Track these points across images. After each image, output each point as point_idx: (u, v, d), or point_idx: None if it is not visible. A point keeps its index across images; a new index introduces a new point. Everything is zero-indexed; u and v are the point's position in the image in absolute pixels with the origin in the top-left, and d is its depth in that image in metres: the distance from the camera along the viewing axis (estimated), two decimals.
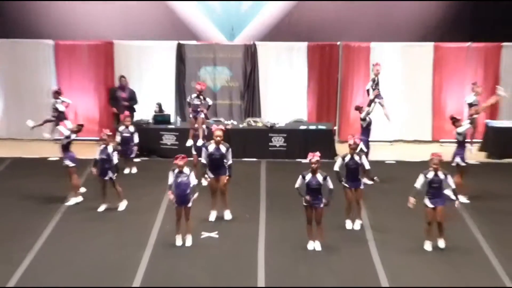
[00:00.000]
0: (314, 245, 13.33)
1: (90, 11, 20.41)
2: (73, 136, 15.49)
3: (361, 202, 14.39)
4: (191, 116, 17.20)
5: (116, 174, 14.96)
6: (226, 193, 14.58)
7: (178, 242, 13.40)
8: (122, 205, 15.10)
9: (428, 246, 13.34)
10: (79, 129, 15.61)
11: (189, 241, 13.46)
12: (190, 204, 13.37)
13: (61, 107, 17.65)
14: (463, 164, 15.49)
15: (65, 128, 15.76)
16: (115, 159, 14.94)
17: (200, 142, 16.57)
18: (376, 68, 17.54)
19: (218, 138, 14.35)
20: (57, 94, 17.84)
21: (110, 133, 15.25)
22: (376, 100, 17.25)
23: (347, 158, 14.12)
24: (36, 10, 20.37)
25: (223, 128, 14.76)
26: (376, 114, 19.12)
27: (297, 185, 13.21)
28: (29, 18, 20.42)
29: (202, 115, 16.97)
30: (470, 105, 17.39)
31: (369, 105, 17.15)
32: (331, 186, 13.21)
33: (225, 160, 14.37)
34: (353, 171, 14.11)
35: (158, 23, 20.49)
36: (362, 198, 14.38)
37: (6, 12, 20.42)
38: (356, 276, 12.33)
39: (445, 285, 11.98)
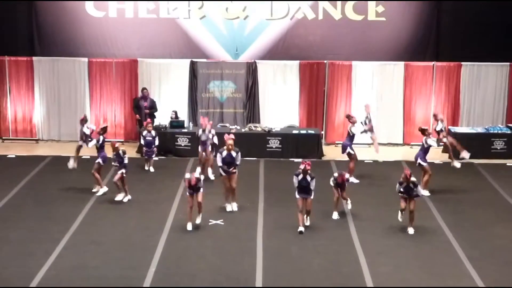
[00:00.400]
0: (303, 228, 13.39)
1: (118, 33, 20.34)
2: (102, 138, 15.43)
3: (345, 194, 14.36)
4: (199, 149, 16.65)
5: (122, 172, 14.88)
6: (236, 191, 14.49)
7: (189, 227, 13.35)
8: (120, 196, 14.89)
9: (400, 217, 13.54)
10: (104, 130, 15.57)
11: (198, 219, 13.46)
12: (201, 190, 13.40)
13: (87, 131, 16.65)
14: (424, 163, 15.43)
15: (92, 142, 15.60)
16: (126, 159, 14.89)
17: (210, 172, 16.36)
18: (368, 108, 17.17)
19: (230, 146, 14.28)
20: (83, 121, 16.74)
21: (119, 143, 15.19)
22: (369, 133, 16.96)
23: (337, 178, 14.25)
24: (73, 33, 20.29)
25: (233, 137, 14.54)
26: (359, 118, 19.20)
27: (296, 184, 13.35)
28: (67, 40, 20.33)
29: (210, 148, 16.55)
30: (439, 132, 16.62)
31: (362, 132, 16.90)
32: (313, 187, 13.36)
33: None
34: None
35: (174, 44, 20.41)
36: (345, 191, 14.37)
37: (49, 35, 20.34)
38: (339, 256, 12.27)
39: (414, 263, 11.94)
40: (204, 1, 20.09)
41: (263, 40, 20.49)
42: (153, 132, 17.24)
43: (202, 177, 13.45)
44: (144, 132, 17.31)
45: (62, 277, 11.30)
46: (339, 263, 12.00)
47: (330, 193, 14.58)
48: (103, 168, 15.48)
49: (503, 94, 20.08)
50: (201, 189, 13.40)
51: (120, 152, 14.83)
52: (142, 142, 17.40)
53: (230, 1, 20.15)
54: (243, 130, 19.13)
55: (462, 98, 20.04)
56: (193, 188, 13.27)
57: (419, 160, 15.39)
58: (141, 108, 19.27)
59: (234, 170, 14.39)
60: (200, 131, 16.68)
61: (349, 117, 16.77)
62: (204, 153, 16.58)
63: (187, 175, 13.42)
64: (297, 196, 13.39)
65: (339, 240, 13.00)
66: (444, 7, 20.26)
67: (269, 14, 20.25)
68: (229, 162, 14.31)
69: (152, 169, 17.23)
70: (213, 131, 16.69)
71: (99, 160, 15.27)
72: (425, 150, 15.44)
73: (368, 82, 19.94)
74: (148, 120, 17.82)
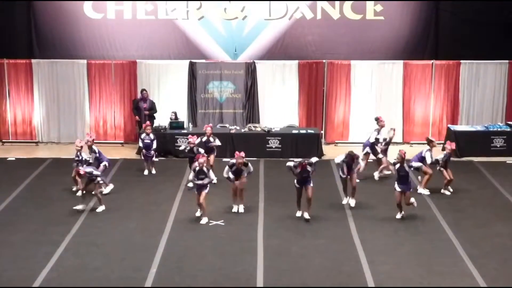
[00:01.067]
0: (302, 213, 13.89)
1: (116, 35, 20.40)
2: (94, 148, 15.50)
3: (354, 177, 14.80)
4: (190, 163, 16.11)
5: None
6: (243, 195, 14.52)
7: (198, 213, 13.92)
8: (101, 208, 14.49)
9: (398, 215, 13.91)
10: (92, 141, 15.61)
11: (204, 220, 13.77)
12: (207, 190, 13.82)
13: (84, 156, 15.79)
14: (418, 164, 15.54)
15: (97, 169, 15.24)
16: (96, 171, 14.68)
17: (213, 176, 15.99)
18: (381, 123, 16.85)
19: (240, 165, 14.28)
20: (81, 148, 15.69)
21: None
22: (380, 155, 16.61)
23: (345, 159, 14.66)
24: (71, 35, 20.37)
25: (243, 155, 14.38)
26: (358, 117, 19.74)
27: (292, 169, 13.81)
28: (65, 42, 20.42)
29: (213, 157, 16.39)
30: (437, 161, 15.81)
31: (381, 151, 16.65)
32: (314, 167, 13.84)
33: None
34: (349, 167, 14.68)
35: (173, 45, 20.48)
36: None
37: (47, 37, 20.43)
38: (340, 255, 12.28)
39: (414, 262, 11.95)
40: (202, 2, 20.15)
41: (262, 40, 20.54)
42: (152, 135, 17.14)
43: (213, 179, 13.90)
44: (143, 135, 17.25)
45: (63, 279, 11.31)
46: (340, 262, 12.01)
47: (330, 191, 14.61)
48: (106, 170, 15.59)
49: (502, 92, 20.10)
50: (207, 189, 13.81)
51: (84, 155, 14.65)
52: (141, 144, 17.35)
53: (228, 2, 20.21)
54: (242, 130, 19.15)
55: (462, 96, 20.06)
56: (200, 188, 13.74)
57: (414, 165, 15.45)
58: (141, 109, 19.28)
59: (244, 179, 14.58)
60: (205, 138, 16.46)
61: (378, 120, 16.80)
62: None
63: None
64: (297, 185, 13.73)
65: (340, 239, 13.00)
66: (443, 5, 20.34)
67: (268, 14, 20.33)
68: (239, 170, 14.37)
69: (153, 171, 17.18)
70: (217, 140, 16.50)
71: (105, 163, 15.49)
72: (420, 158, 15.54)
73: (367, 81, 19.97)
74: (147, 122, 17.76)
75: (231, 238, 13.05)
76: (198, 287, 11.12)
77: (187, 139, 18.35)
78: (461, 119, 20.12)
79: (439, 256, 12.27)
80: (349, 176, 14.62)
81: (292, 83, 20.12)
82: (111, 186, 15.53)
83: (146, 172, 17.10)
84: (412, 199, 13.94)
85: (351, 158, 14.41)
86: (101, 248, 12.52)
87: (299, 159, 13.96)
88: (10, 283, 11.19)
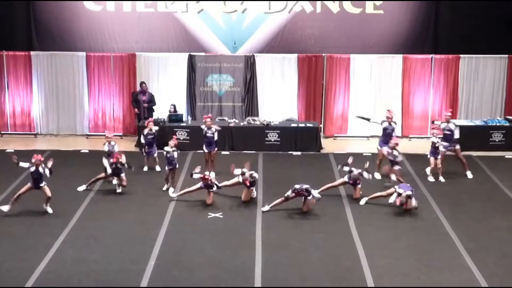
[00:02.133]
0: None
1: (116, 27, 20.37)
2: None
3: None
4: (166, 168, 15.54)
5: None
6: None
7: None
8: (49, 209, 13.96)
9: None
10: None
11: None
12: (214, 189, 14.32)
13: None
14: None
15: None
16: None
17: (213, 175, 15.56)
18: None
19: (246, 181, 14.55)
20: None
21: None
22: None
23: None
24: (71, 27, 20.34)
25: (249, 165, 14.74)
26: (357, 111, 19.43)
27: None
28: (65, 34, 20.39)
29: (216, 148, 16.38)
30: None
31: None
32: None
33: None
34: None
35: (173, 38, 20.45)
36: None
37: (46, 29, 20.40)
38: (338, 249, 12.29)
39: (412, 255, 11.97)
40: None
41: (261, 34, 20.51)
42: (154, 129, 16.91)
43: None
44: (146, 131, 17.01)
45: (61, 271, 11.32)
46: (338, 256, 12.01)
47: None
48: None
49: (502, 86, 20.12)
50: (214, 188, 14.31)
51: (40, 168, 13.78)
52: (143, 141, 17.05)
53: None
54: (241, 123, 19.13)
55: (461, 90, 20.08)
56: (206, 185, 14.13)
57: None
58: (140, 102, 19.28)
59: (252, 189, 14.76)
60: (205, 127, 16.34)
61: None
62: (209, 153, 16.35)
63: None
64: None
65: (338, 233, 13.01)
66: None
67: (267, 8, 20.30)
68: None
69: (158, 168, 16.88)
70: (214, 128, 16.33)
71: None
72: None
73: (366, 75, 19.97)
74: (150, 119, 17.63)
75: (229, 231, 13.06)
76: (196, 284, 11.09)
77: (186, 131, 18.50)
78: (460, 113, 20.13)
79: (437, 250, 12.29)
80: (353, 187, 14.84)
81: (292, 77, 20.10)
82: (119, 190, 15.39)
83: (146, 168, 16.92)
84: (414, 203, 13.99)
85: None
86: (99, 241, 12.52)
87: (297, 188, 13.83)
88: (9, 275, 11.19)
